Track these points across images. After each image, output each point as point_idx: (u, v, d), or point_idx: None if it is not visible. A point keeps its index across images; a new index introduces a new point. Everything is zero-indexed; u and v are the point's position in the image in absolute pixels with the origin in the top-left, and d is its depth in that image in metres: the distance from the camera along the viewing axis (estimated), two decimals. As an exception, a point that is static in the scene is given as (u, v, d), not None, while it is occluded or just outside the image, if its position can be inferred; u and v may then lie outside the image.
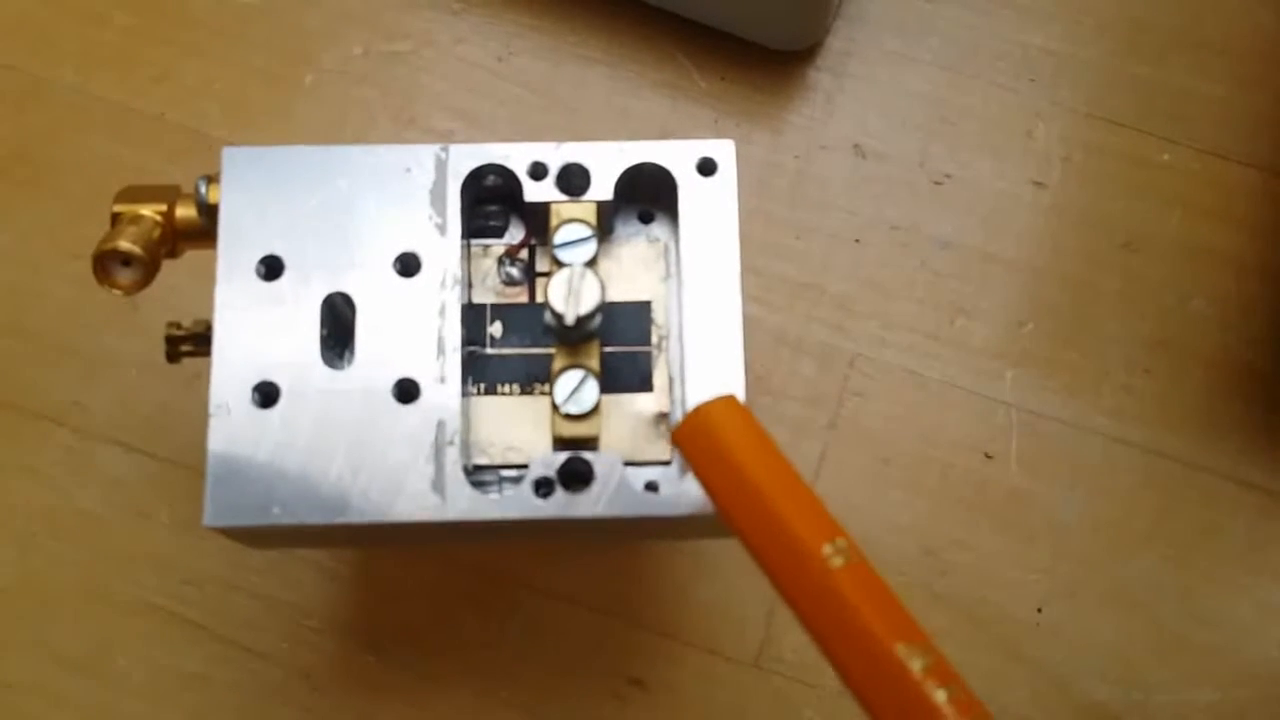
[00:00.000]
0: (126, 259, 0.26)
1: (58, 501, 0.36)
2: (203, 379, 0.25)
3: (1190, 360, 0.38)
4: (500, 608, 0.36)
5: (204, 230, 0.27)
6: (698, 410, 0.23)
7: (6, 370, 0.37)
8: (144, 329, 0.37)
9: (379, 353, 0.26)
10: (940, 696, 0.20)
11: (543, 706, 0.35)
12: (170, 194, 0.28)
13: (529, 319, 0.28)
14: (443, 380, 0.26)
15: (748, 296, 0.39)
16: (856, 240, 0.39)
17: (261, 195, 0.26)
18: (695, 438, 0.23)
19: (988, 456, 0.37)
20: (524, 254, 0.28)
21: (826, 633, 0.21)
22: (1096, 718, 0.36)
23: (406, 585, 0.36)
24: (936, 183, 0.40)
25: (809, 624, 0.21)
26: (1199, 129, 0.40)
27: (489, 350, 0.27)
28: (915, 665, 0.20)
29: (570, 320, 0.25)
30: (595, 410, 0.26)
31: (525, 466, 0.26)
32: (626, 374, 0.27)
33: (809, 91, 0.41)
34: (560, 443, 0.26)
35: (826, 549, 0.21)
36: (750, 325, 0.38)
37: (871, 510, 0.37)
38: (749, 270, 0.39)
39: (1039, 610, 0.36)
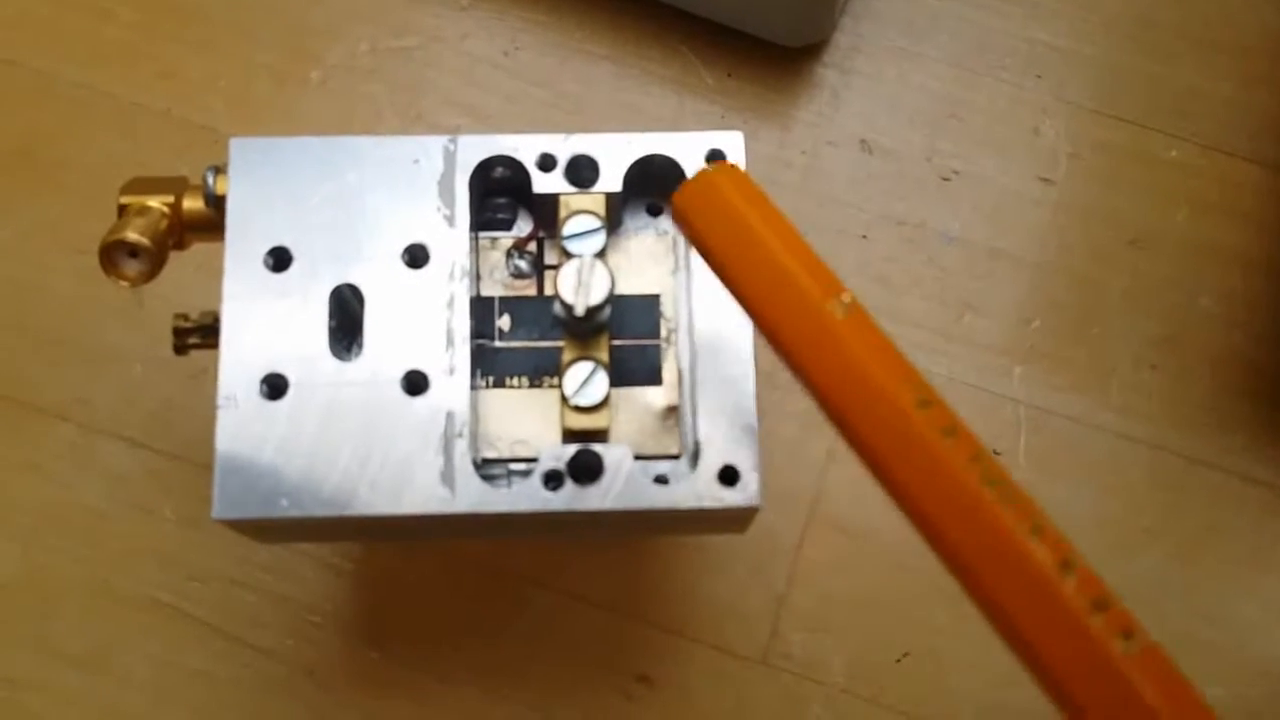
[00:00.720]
0: (134, 250, 0.26)
1: (61, 497, 0.36)
2: (208, 374, 0.25)
3: (1197, 357, 0.38)
4: (507, 604, 0.36)
5: (212, 222, 0.27)
6: (702, 173, 0.23)
7: (10, 365, 0.37)
8: (148, 324, 0.37)
9: (387, 345, 0.26)
10: (944, 441, 0.20)
11: (550, 704, 0.35)
12: (178, 185, 0.28)
13: (538, 312, 0.27)
14: (451, 372, 0.26)
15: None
16: (863, 236, 0.39)
17: (269, 186, 0.26)
18: (698, 198, 0.23)
19: (995, 453, 0.37)
20: (532, 246, 0.28)
21: (829, 383, 0.21)
22: (1104, 715, 0.35)
23: (412, 581, 0.36)
24: (944, 179, 0.40)
25: (812, 378, 0.21)
26: (1205, 125, 0.40)
27: (498, 343, 0.27)
28: (919, 411, 0.20)
29: (580, 311, 0.25)
30: (605, 403, 0.26)
31: (534, 460, 0.26)
32: (635, 367, 0.27)
33: (816, 88, 0.40)
34: (570, 435, 0.26)
35: (830, 303, 0.21)
36: (756, 321, 0.38)
37: (879, 506, 0.36)
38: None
39: (1046, 607, 0.36)
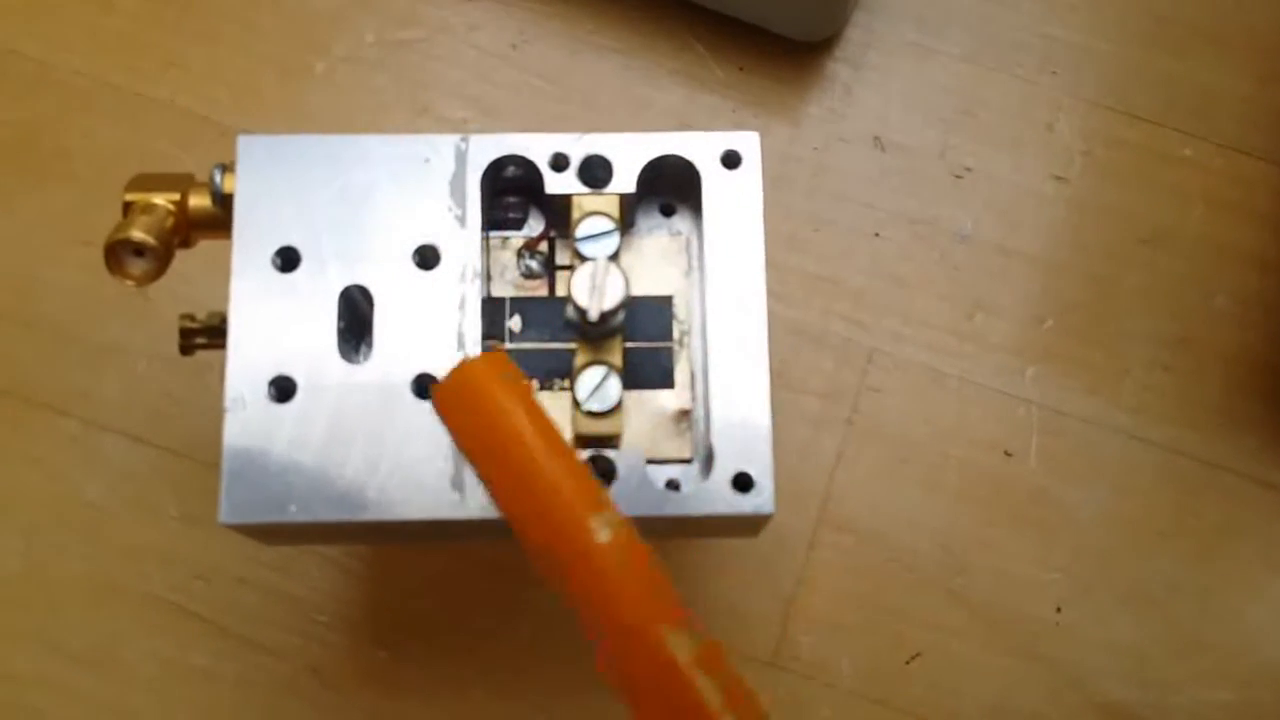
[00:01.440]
0: (139, 249, 0.26)
1: (64, 492, 0.36)
2: (212, 370, 0.25)
3: (1211, 358, 0.38)
4: (512, 606, 0.36)
5: (218, 220, 0.27)
6: (462, 367, 0.22)
7: (13, 358, 0.37)
8: (153, 318, 0.37)
9: (397, 346, 0.25)
10: (706, 685, 0.19)
11: (555, 703, 0.35)
12: (184, 182, 0.27)
13: (549, 313, 0.27)
14: (462, 375, 0.25)
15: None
16: (876, 234, 0.39)
17: (278, 185, 0.26)
18: (458, 394, 0.21)
19: (1007, 454, 0.37)
20: (544, 246, 0.28)
21: (588, 612, 0.19)
22: (1114, 717, 0.35)
23: (418, 580, 0.36)
24: (956, 176, 0.39)
25: (569, 601, 0.20)
26: (1221, 124, 0.40)
27: (508, 344, 0.27)
28: (683, 652, 0.19)
29: (594, 316, 0.24)
30: (617, 407, 0.25)
31: (545, 463, 0.25)
32: (648, 370, 0.27)
33: (828, 83, 0.40)
34: (581, 440, 0.25)
35: (593, 520, 0.20)
36: (767, 319, 0.38)
37: (889, 507, 0.36)
38: (766, 263, 0.38)
39: (1058, 610, 0.36)
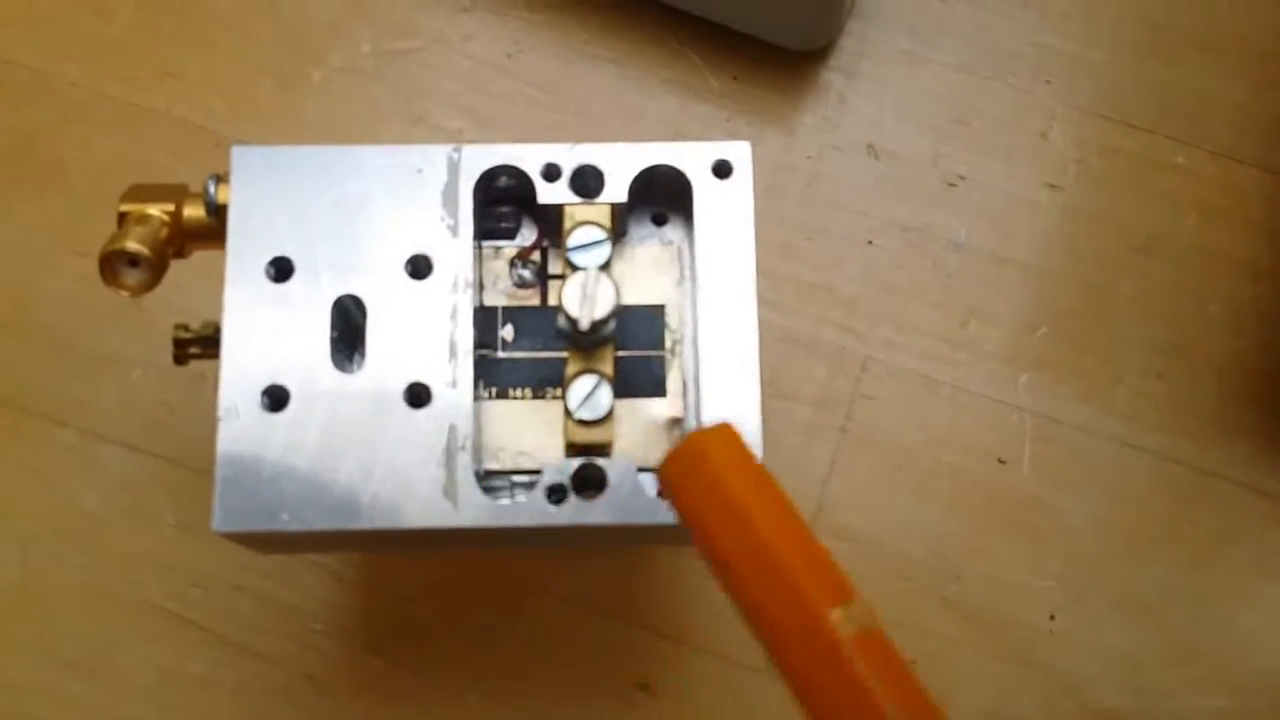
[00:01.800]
0: (134, 259, 0.26)
1: (61, 501, 0.36)
2: (207, 379, 0.25)
3: (1205, 365, 0.38)
4: (508, 611, 0.36)
5: (213, 230, 0.27)
6: (693, 438, 0.20)
7: (9, 368, 0.37)
8: (148, 327, 0.37)
9: (390, 356, 0.25)
10: None
11: (551, 710, 0.35)
12: (178, 193, 0.28)
13: (541, 322, 0.27)
14: (454, 384, 0.25)
15: (758, 298, 0.39)
16: (869, 242, 0.39)
17: (272, 195, 0.26)
18: (690, 473, 0.19)
19: (1000, 462, 0.37)
20: (536, 256, 0.28)
21: (832, 715, 0.17)
22: (1108, 725, 0.35)
23: (412, 588, 0.36)
24: (950, 184, 0.39)
25: (811, 703, 0.17)
26: (1214, 132, 0.40)
27: (500, 354, 0.27)
28: None
29: (585, 325, 0.25)
30: (609, 416, 0.25)
31: (537, 472, 0.25)
32: (639, 378, 0.27)
33: (822, 91, 0.40)
34: (573, 449, 0.26)
35: (836, 613, 0.17)
36: (760, 327, 0.37)
37: (882, 515, 0.36)
38: (760, 271, 0.38)
39: (1051, 617, 0.36)
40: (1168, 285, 0.39)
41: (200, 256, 0.28)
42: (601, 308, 0.25)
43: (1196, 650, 0.36)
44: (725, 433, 0.20)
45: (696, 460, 0.19)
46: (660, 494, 0.20)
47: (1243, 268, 0.39)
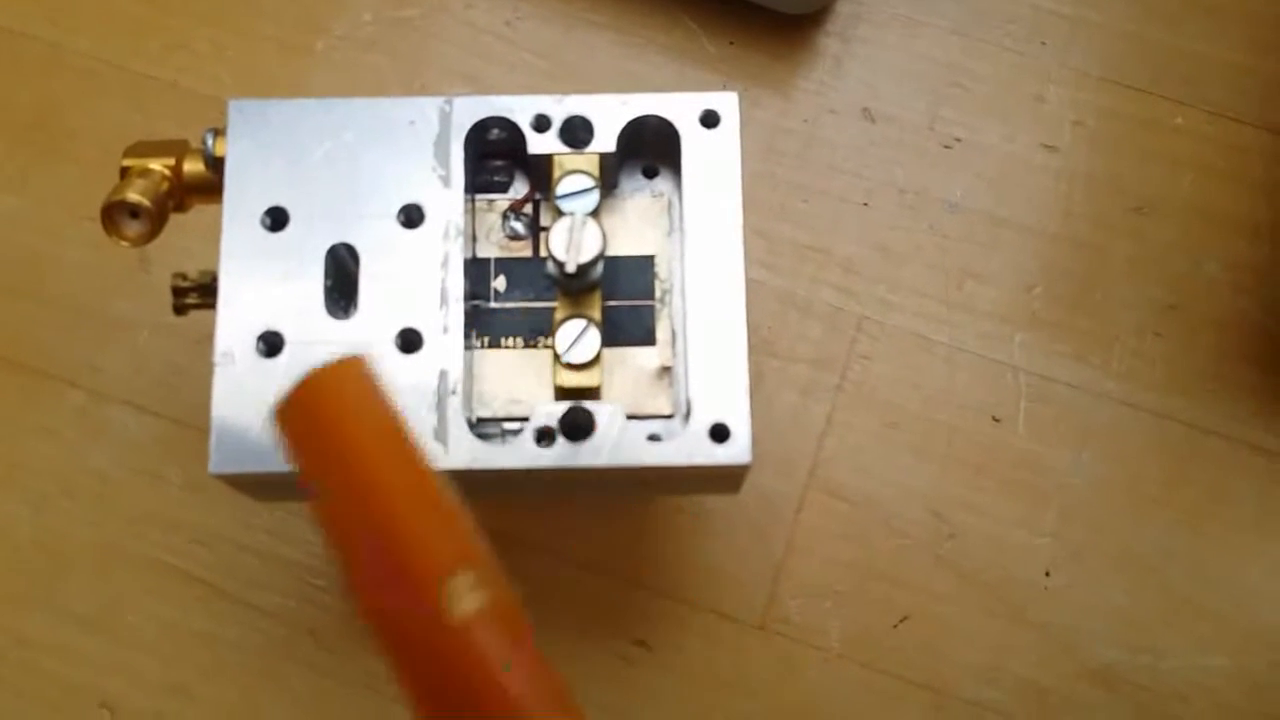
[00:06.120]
0: (134, 210, 0.27)
1: (71, 461, 0.37)
2: (213, 339, 0.25)
3: (1202, 324, 0.38)
4: (505, 569, 0.36)
5: (211, 184, 0.27)
6: (312, 375, 0.17)
7: (22, 332, 0.38)
8: (156, 291, 0.37)
9: (382, 303, 0.26)
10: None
11: (549, 656, 0.35)
12: (179, 148, 0.28)
13: (533, 273, 0.28)
14: (445, 330, 0.26)
15: (755, 260, 0.39)
16: (865, 203, 0.39)
17: (267, 147, 0.27)
18: (300, 414, 0.17)
19: (995, 420, 0.37)
20: (528, 208, 0.28)
21: (427, 701, 0.14)
22: (1104, 681, 0.35)
23: (414, 545, 0.36)
24: (946, 146, 0.40)
25: (412, 690, 0.15)
26: (1211, 92, 0.40)
27: (493, 304, 0.27)
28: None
29: (571, 268, 0.25)
30: (596, 360, 0.26)
31: (528, 419, 0.26)
32: (629, 328, 0.27)
33: (818, 56, 0.40)
34: (562, 392, 0.26)
35: (449, 584, 0.14)
36: (758, 288, 0.38)
37: (879, 473, 0.37)
38: (756, 233, 0.39)
39: (1046, 574, 0.36)
40: (1165, 245, 0.39)
41: (205, 221, 0.28)
42: (588, 251, 0.25)
43: (1195, 608, 0.36)
44: (351, 368, 0.17)
45: (307, 406, 0.17)
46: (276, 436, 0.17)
47: (1240, 228, 0.39)
